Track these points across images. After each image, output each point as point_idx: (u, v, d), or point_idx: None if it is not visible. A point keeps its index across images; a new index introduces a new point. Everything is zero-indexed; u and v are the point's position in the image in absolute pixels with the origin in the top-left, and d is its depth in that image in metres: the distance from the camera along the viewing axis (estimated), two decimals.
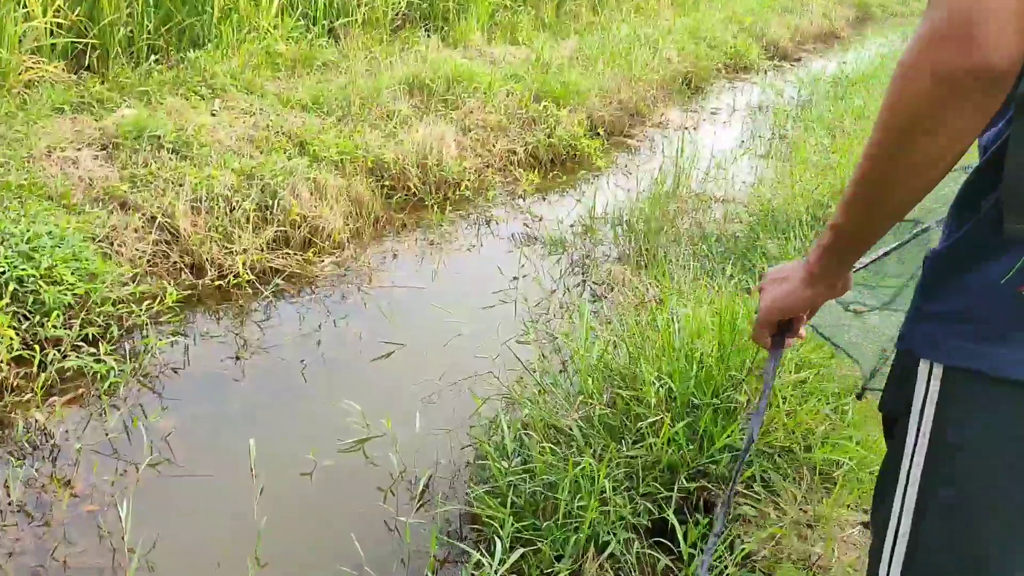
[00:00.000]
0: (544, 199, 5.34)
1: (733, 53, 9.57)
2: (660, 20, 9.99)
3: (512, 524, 2.20)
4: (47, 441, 2.69)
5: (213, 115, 4.73)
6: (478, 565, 2.14)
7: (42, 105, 4.35)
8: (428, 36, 7.27)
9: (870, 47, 11.61)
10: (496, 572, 2.06)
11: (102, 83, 4.90)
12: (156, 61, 5.28)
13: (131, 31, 5.23)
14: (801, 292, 1.22)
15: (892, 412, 1.16)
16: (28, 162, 3.83)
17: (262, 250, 3.97)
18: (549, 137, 5.93)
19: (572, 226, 4.80)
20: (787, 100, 7.94)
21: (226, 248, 3.88)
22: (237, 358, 3.28)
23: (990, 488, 1.03)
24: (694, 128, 7.09)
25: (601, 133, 6.54)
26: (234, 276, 3.76)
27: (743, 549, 2.16)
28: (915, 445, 1.06)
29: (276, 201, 4.16)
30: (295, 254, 4.07)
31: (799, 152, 5.76)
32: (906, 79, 0.91)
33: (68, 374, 3.01)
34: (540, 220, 4.92)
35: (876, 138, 0.97)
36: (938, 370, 1.03)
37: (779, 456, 2.38)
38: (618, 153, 6.43)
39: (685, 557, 2.14)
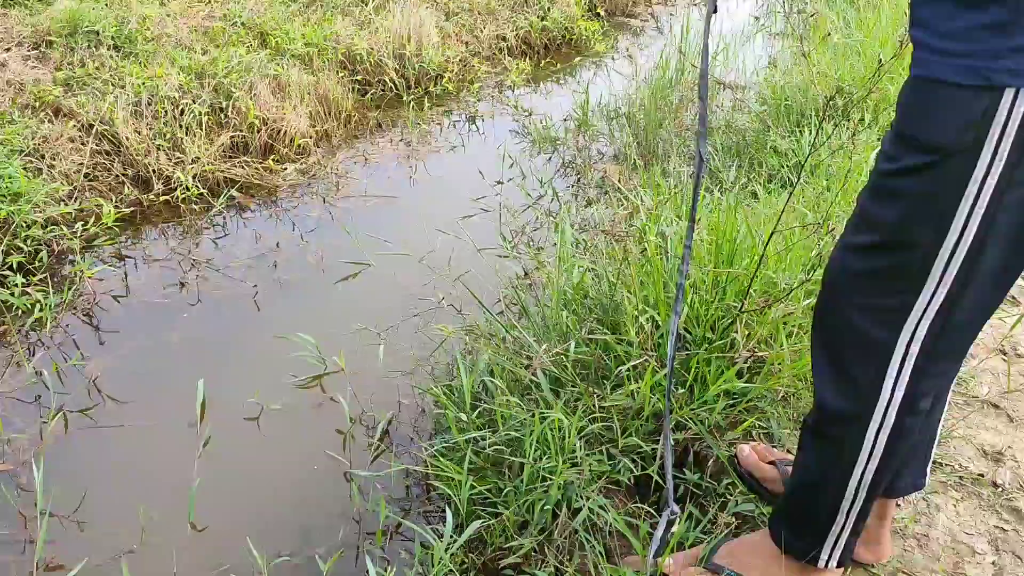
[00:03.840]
0: (536, 90, 4.87)
1: None
2: None
3: (470, 487, 1.91)
4: None
5: (163, 4, 4.24)
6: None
7: None
8: None
9: None
10: (447, 549, 1.77)
11: None
12: None
13: None
14: None
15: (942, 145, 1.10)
16: None
17: (216, 159, 3.58)
18: (542, 20, 5.39)
19: (565, 120, 4.36)
20: None
21: (175, 158, 3.49)
22: (182, 285, 2.95)
23: None
24: (703, 4, 6.49)
25: (601, 13, 5.98)
26: (183, 189, 3.39)
27: (734, 509, 1.85)
28: (985, 174, 1.06)
29: (232, 102, 3.73)
30: (253, 162, 3.67)
31: (818, 30, 5.20)
32: None
33: None
34: (530, 115, 4.48)
35: None
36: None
37: (783, 401, 2.05)
38: (619, 35, 5.88)
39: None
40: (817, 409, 1.35)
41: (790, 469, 1.79)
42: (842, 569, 1.50)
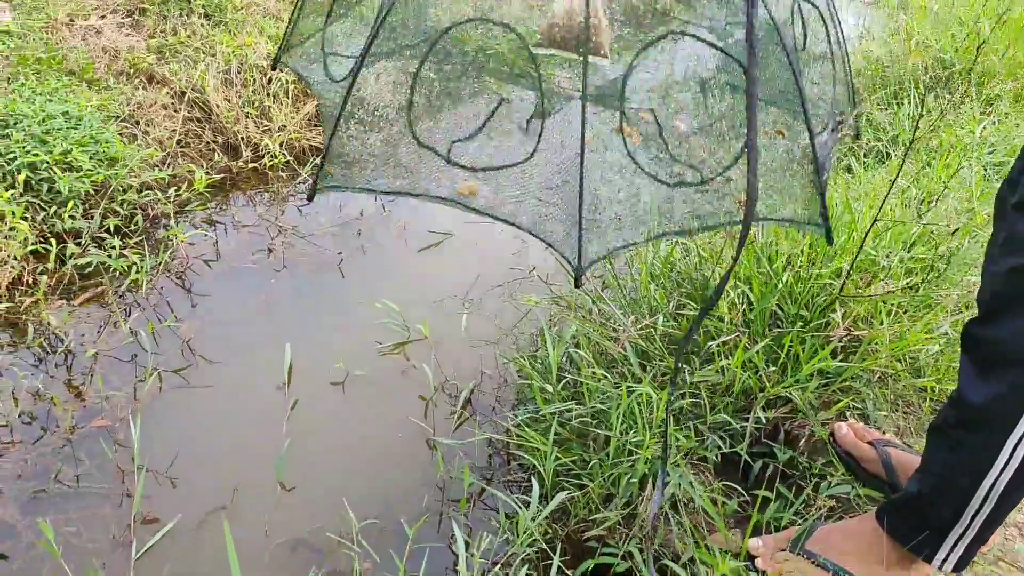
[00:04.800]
0: None
1: None
2: None
3: (555, 458, 1.90)
4: (60, 346, 2.48)
5: None
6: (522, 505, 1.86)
7: None
8: None
9: None
10: (533, 518, 1.77)
11: None
12: None
13: None
14: None
15: None
16: (47, 32, 3.52)
17: (301, 127, 3.62)
18: None
19: None
20: None
21: (263, 126, 3.55)
22: (269, 251, 3.00)
23: None
24: None
25: None
26: (270, 156, 3.44)
27: (829, 491, 1.80)
28: None
29: None
30: None
31: None
32: None
33: (88, 270, 2.79)
34: None
35: None
36: None
37: (880, 383, 1.98)
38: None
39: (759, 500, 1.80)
40: (954, 408, 1.31)
41: (890, 451, 1.73)
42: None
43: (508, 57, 1.41)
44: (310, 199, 1.52)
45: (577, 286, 1.43)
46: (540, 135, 1.44)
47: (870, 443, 1.77)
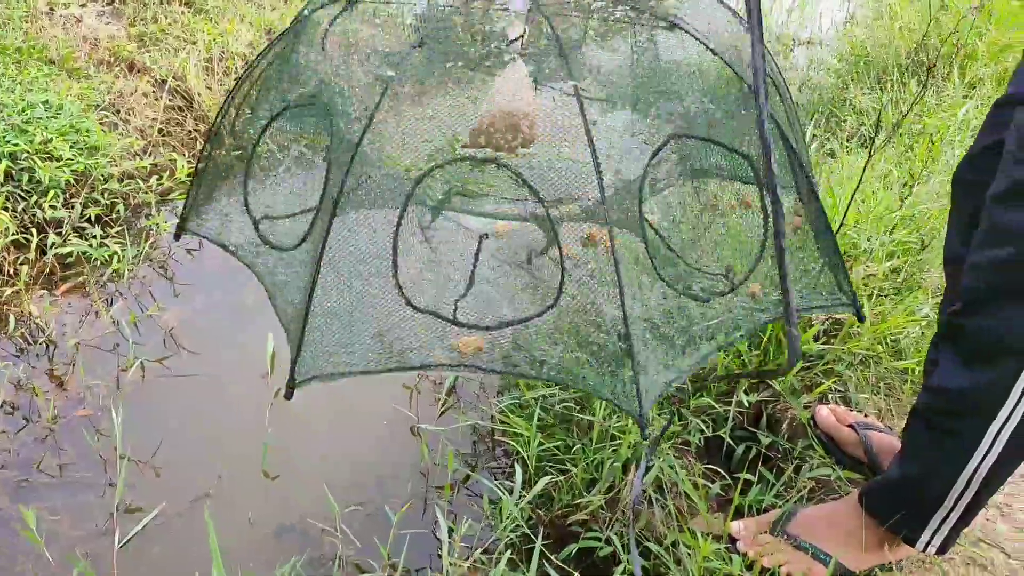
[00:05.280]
0: None
1: None
2: None
3: (538, 443, 1.90)
4: (41, 336, 2.46)
5: None
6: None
7: None
8: None
9: None
10: (516, 503, 1.77)
11: None
12: None
13: None
14: None
15: None
16: (27, 21, 3.48)
17: None
18: None
19: None
20: None
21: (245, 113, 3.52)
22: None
23: None
24: None
25: None
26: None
27: (810, 474, 1.81)
28: None
29: None
30: None
31: None
32: None
33: (69, 260, 2.77)
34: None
35: None
36: None
37: (861, 365, 1.99)
38: None
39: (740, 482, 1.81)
40: (934, 395, 1.32)
41: (871, 434, 1.74)
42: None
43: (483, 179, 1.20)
44: (289, 397, 1.28)
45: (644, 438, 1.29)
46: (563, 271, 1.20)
47: (850, 426, 1.78)
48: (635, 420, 1.21)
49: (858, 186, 1.94)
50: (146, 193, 3.05)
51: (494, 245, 1.40)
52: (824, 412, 1.84)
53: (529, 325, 1.24)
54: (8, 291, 2.58)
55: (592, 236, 1.23)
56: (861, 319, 1.46)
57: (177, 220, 1.57)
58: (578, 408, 1.94)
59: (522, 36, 1.28)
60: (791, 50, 4.23)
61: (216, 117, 1.49)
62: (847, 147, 2.96)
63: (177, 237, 1.60)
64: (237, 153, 1.53)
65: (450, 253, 1.35)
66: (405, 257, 1.22)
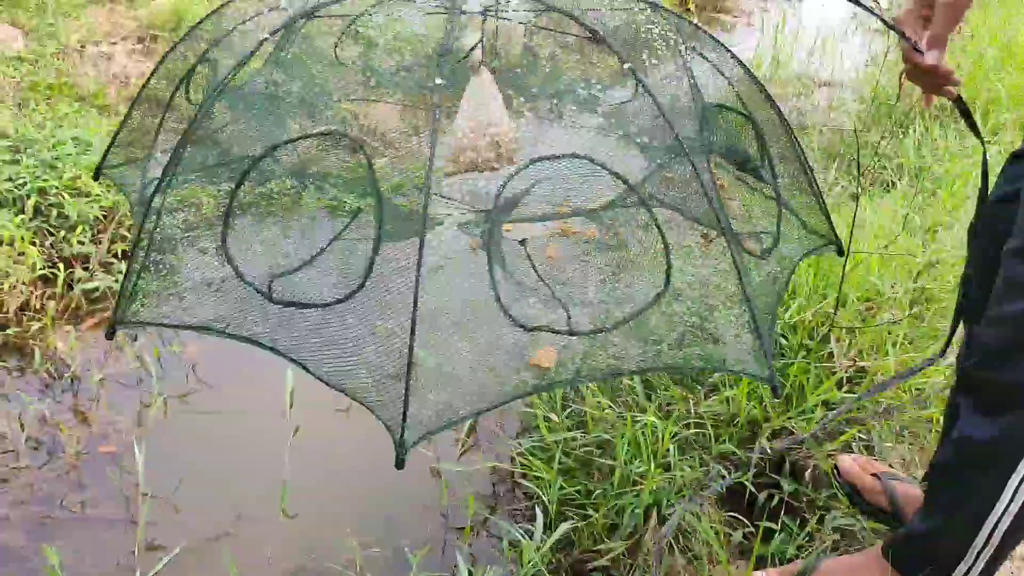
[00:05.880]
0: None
1: None
2: None
3: (559, 487, 1.89)
4: (66, 371, 2.49)
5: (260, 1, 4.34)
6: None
7: None
8: None
9: None
10: (537, 548, 1.76)
11: None
12: None
13: None
14: None
15: None
16: (59, 58, 3.56)
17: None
18: None
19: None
20: None
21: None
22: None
23: None
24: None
25: (691, 8, 5.88)
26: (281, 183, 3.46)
27: (834, 523, 1.79)
28: None
29: None
30: None
31: None
32: None
33: (95, 295, 2.80)
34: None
35: None
36: None
37: (885, 414, 1.97)
38: (710, 31, 5.77)
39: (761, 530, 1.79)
40: (955, 447, 1.31)
41: (895, 484, 1.73)
42: None
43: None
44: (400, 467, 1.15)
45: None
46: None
47: (875, 475, 1.76)
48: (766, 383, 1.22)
49: (849, 234, 1.95)
50: (173, 229, 3.08)
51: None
52: (847, 461, 1.83)
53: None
54: (35, 326, 2.61)
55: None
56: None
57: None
58: (599, 452, 1.94)
59: (480, 42, 1.27)
60: (812, 92, 4.25)
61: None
62: (870, 192, 2.97)
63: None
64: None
65: (513, 264, 1.28)
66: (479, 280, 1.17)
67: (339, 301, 1.17)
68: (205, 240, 1.30)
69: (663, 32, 1.35)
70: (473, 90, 1.24)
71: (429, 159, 1.08)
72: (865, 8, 1.34)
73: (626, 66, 1.23)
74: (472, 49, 1.27)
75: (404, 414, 1.11)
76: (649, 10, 1.34)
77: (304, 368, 1.19)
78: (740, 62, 1.46)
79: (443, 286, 1.25)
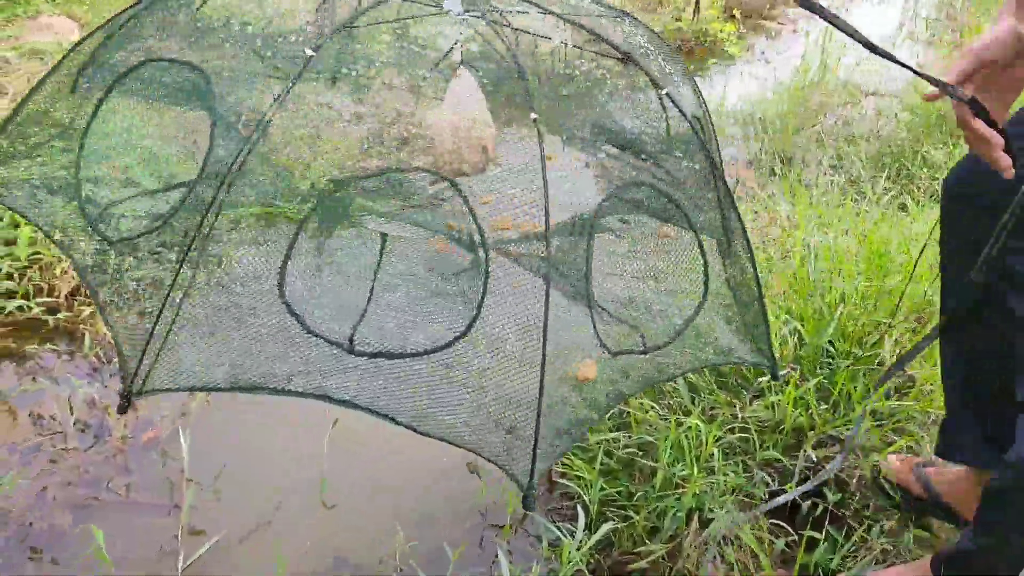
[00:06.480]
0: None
1: None
2: None
3: (600, 488, 1.89)
4: (115, 356, 2.53)
5: None
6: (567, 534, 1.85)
7: None
8: None
9: None
10: (578, 548, 1.76)
11: None
12: None
13: None
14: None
15: None
16: None
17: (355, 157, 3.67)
18: (677, 20, 5.31)
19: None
20: None
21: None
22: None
23: None
24: (846, 8, 6.26)
25: (737, 16, 5.85)
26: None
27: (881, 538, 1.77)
28: None
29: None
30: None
31: (971, 36, 4.94)
32: None
33: (147, 281, 2.84)
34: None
35: None
36: None
37: (935, 425, 1.94)
38: (755, 39, 5.74)
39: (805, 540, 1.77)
40: (1009, 469, 1.29)
41: (927, 470, 1.72)
42: None
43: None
44: None
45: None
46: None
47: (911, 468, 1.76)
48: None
49: (925, 245, 1.92)
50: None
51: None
52: (893, 462, 1.82)
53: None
54: (85, 311, 2.66)
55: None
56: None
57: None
58: (642, 455, 1.93)
59: (460, 42, 1.27)
60: (859, 101, 4.20)
61: None
62: (920, 203, 2.92)
63: (123, 410, 1.25)
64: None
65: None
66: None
67: (448, 345, 1.13)
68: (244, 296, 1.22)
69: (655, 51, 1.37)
70: (455, 88, 1.23)
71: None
72: (925, 77, 1.21)
73: (664, 92, 1.26)
74: (450, 51, 1.27)
75: (532, 470, 1.14)
76: (627, 22, 1.35)
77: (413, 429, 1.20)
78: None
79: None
